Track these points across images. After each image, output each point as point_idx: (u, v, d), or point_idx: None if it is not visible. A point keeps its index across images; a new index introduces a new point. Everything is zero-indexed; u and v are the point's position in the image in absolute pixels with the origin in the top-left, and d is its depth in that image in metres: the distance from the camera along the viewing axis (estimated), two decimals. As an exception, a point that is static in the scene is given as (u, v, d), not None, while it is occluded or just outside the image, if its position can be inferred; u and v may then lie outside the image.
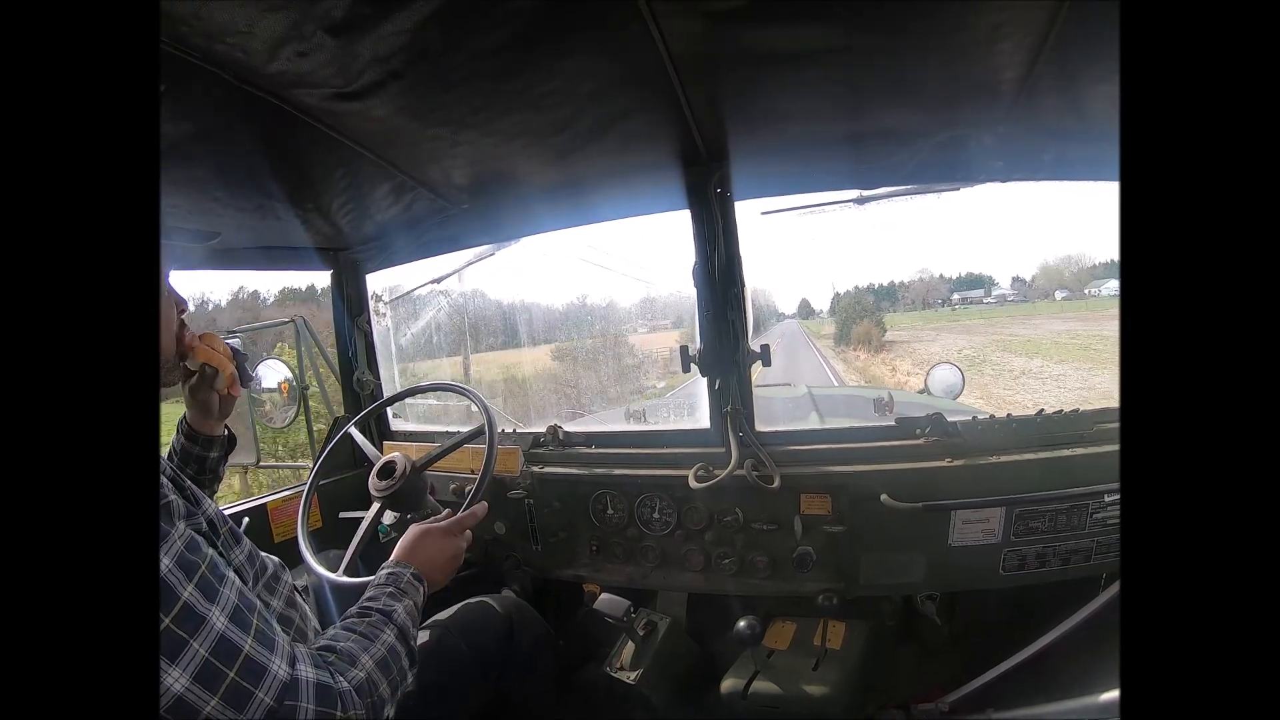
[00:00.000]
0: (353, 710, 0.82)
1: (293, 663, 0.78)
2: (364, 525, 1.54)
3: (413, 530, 1.26)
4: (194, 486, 0.89)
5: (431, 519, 1.33)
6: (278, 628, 0.81)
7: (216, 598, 0.73)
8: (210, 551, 0.78)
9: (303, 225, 1.86)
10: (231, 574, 0.79)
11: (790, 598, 1.63)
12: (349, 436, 1.85)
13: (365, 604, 1.04)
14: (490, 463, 1.52)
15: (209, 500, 0.90)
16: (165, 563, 0.70)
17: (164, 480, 0.79)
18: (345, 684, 0.83)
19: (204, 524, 0.88)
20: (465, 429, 1.74)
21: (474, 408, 1.65)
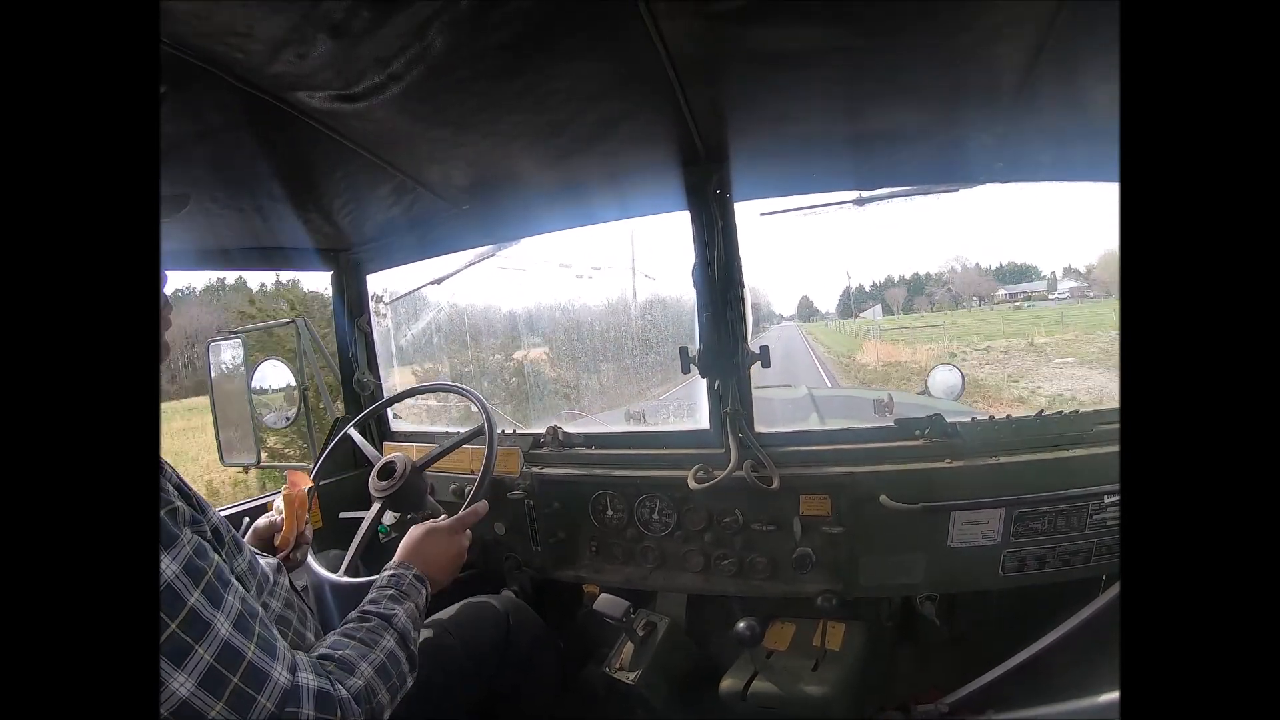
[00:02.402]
0: (352, 717, 0.83)
1: (293, 669, 0.79)
2: (364, 525, 1.54)
3: (414, 531, 1.27)
4: (198, 494, 0.89)
5: (432, 520, 1.33)
6: (279, 635, 0.82)
7: (221, 604, 0.74)
8: (216, 558, 0.79)
9: (303, 226, 1.86)
10: (235, 581, 0.81)
11: (789, 599, 1.63)
12: (349, 437, 1.85)
13: (366, 608, 1.05)
14: (490, 462, 1.53)
15: (213, 509, 0.90)
16: (173, 568, 0.70)
17: (169, 487, 0.79)
18: (344, 691, 0.84)
19: (209, 532, 0.89)
20: (465, 429, 1.74)
21: (474, 408, 1.65)
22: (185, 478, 0.89)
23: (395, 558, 1.22)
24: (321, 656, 0.90)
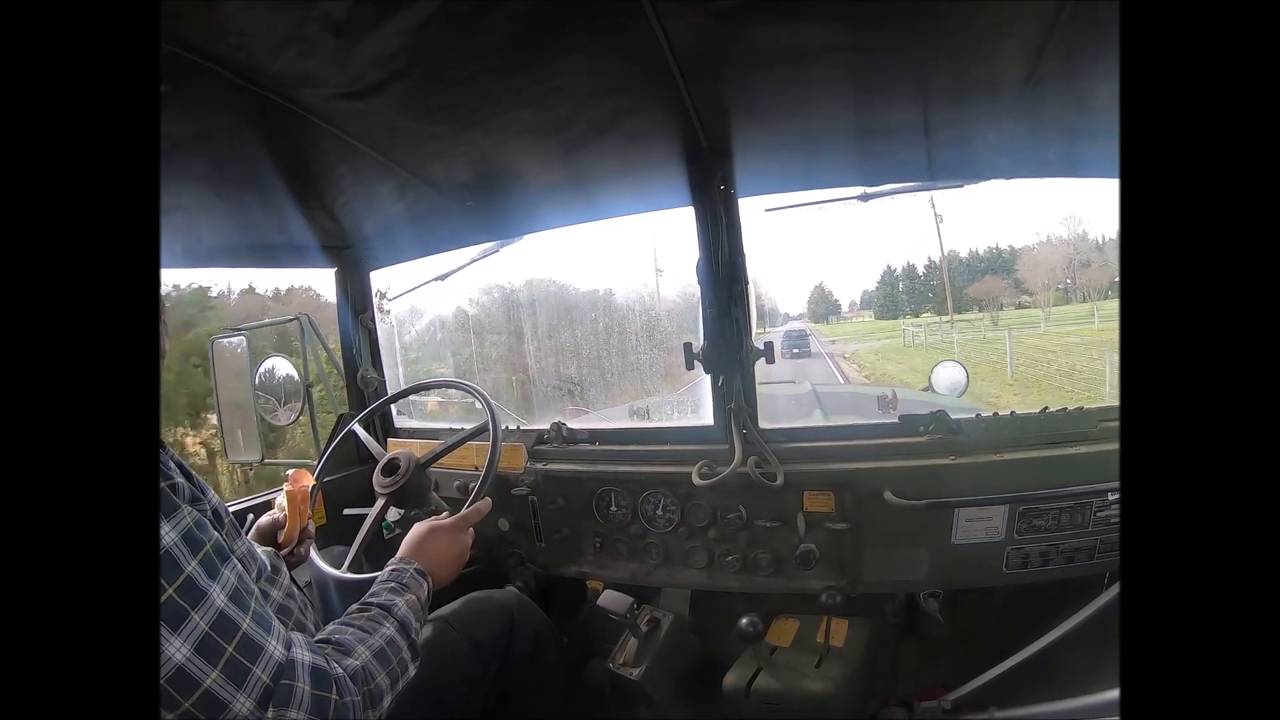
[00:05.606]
0: (348, 695, 0.83)
1: (288, 645, 0.80)
2: (368, 521, 1.55)
3: (418, 528, 1.28)
4: (199, 478, 0.90)
5: (435, 517, 1.34)
6: (273, 615, 0.83)
7: (218, 576, 0.75)
8: (214, 534, 0.80)
9: (306, 223, 1.87)
10: (234, 559, 0.81)
11: (793, 595, 1.63)
12: (353, 433, 1.85)
13: (367, 600, 1.06)
14: (494, 459, 1.53)
15: (214, 494, 0.91)
16: (171, 535, 0.72)
17: (171, 465, 0.81)
18: (340, 670, 0.85)
19: (209, 512, 0.90)
20: (469, 425, 1.74)
21: (477, 404, 1.66)
22: None
23: (398, 554, 1.23)
24: (321, 640, 0.91)
